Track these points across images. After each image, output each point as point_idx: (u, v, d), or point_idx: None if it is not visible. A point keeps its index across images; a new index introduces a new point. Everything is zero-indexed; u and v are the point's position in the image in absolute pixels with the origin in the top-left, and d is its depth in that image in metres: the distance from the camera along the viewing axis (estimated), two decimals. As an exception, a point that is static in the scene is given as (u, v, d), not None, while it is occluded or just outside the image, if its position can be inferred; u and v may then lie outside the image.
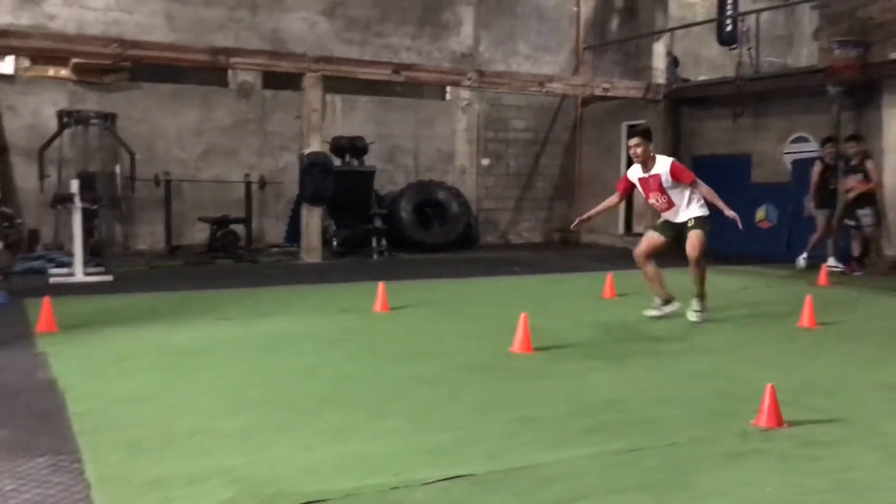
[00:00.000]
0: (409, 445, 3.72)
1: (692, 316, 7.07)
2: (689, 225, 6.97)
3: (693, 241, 6.91)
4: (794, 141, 13.33)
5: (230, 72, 13.67)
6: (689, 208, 7.00)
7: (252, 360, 5.51)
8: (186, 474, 3.31)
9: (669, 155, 14.87)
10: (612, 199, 7.66)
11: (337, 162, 12.97)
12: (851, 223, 10.88)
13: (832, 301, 8.28)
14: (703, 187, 7.00)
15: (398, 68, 12.94)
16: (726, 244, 13.50)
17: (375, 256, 12.81)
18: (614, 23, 17.19)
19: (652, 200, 7.23)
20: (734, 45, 15.04)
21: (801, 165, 13.06)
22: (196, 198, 13.48)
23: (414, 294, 8.62)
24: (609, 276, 8.84)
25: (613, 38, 17.11)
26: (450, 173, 15.60)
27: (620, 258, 13.28)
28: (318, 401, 4.50)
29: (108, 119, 12.28)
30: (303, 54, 12.51)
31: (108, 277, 9.53)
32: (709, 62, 17.14)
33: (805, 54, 17.33)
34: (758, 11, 14.55)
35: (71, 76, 12.58)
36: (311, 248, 12.28)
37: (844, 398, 4.69)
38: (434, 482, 3.27)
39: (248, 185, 13.20)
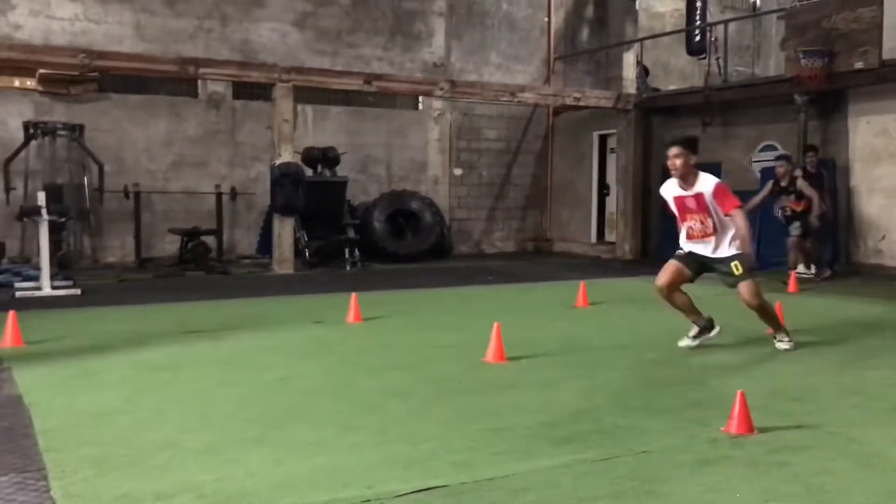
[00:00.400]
0: (381, 458, 3.69)
1: (783, 346, 6.22)
2: (737, 274, 6.01)
3: (748, 292, 6.04)
4: (763, 149, 13.51)
5: (200, 82, 13.59)
6: (731, 244, 6.05)
7: (222, 373, 5.45)
8: (155, 490, 3.26)
9: (641, 163, 15.17)
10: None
11: (309, 172, 12.93)
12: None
13: (801, 308, 8.37)
14: (741, 220, 5.98)
15: (370, 78, 12.94)
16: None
17: (348, 267, 12.76)
18: (584, 33, 17.33)
19: (689, 224, 6.17)
20: (703, 55, 15.23)
21: (770, 174, 13.22)
22: (166, 209, 13.36)
23: (387, 305, 8.59)
24: (582, 285, 8.88)
25: (584, 49, 17.25)
26: (422, 183, 15.60)
27: (593, 266, 13.38)
28: (289, 414, 4.46)
29: (76, 130, 12.14)
30: (273, 65, 12.48)
31: (76, 291, 9.40)
32: (678, 72, 17.34)
33: (772, 64, 17.61)
34: (726, 22, 14.75)
35: (37, 87, 12.43)
36: (284, 259, 12.21)
37: (814, 404, 4.74)
38: (407, 494, 3.25)
39: (218, 196, 13.11)
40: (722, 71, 14.23)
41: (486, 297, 9.65)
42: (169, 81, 13.34)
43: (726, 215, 6.01)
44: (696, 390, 5.03)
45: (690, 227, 6.18)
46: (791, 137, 12.48)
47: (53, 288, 9.27)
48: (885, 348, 6.55)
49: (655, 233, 15.11)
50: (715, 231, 6.06)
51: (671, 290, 6.28)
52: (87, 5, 12.70)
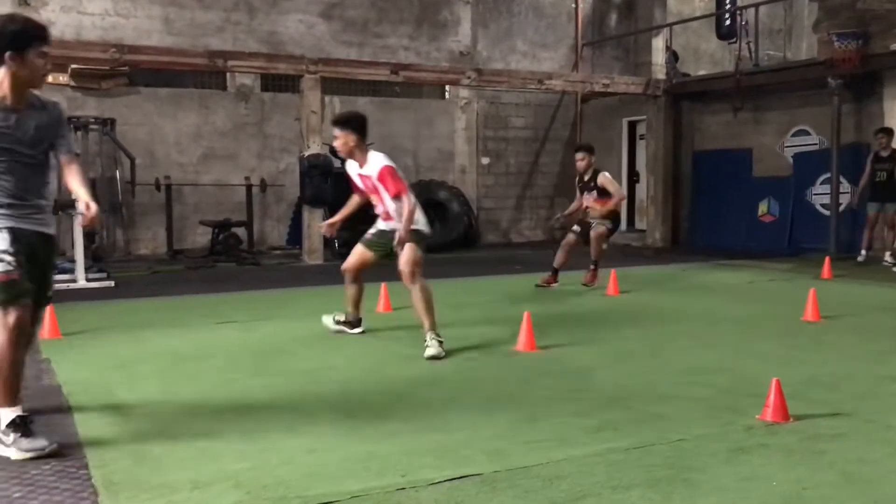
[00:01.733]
0: (414, 446, 3.71)
1: (430, 351, 5.54)
2: (395, 243, 5.81)
3: (405, 255, 5.75)
4: (795, 134, 13.33)
5: (228, 75, 13.68)
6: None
7: (255, 363, 5.51)
8: (192, 479, 3.31)
9: (671, 150, 15.02)
10: (353, 199, 6.45)
11: (337, 164, 12.95)
12: (577, 229, 9.44)
13: (836, 295, 8.27)
14: (407, 204, 5.80)
15: (396, 68, 12.94)
16: (730, 239, 13.52)
17: (377, 257, 12.79)
18: (613, 18, 17.19)
19: (374, 204, 6.13)
20: (733, 40, 15.03)
21: (802, 159, 13.06)
22: (197, 202, 13.50)
23: (416, 294, 8.58)
24: (612, 273, 8.85)
25: (612, 34, 17.11)
26: (450, 173, 15.59)
27: (622, 255, 13.28)
28: (322, 403, 4.49)
29: (108, 124, 12.29)
30: (301, 56, 12.51)
31: (110, 283, 9.54)
32: (708, 56, 17.14)
33: (804, 47, 17.34)
34: (756, 5, 14.53)
35: (69, 82, 12.58)
36: (313, 249, 12.29)
37: (849, 391, 4.69)
38: (441, 482, 3.27)
39: (248, 188, 13.21)
40: (753, 55, 14.04)
41: (514, 287, 9.63)
42: (198, 74, 13.45)
43: (395, 198, 5.86)
44: (731, 378, 4.99)
45: (376, 207, 6.15)
46: (824, 122, 12.30)
47: (88, 280, 9.41)
48: (923, 335, 6.44)
49: (686, 220, 14.99)
50: (388, 216, 6.02)
51: (356, 275, 6.32)
52: (116, 0, 12.83)
